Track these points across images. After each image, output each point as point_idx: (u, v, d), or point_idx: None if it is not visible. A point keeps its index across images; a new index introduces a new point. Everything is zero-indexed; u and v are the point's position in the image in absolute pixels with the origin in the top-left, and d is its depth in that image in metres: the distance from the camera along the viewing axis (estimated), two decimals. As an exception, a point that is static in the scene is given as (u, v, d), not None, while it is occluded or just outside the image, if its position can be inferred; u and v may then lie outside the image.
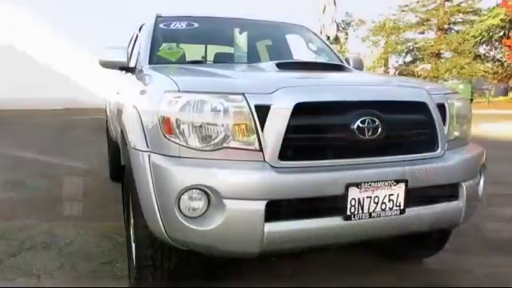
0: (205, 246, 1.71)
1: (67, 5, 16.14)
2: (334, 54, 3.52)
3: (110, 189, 4.68)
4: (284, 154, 1.71)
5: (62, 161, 6.31)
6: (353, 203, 1.75)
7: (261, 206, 1.62)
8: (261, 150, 1.70)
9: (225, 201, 1.62)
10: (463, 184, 2.00)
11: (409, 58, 31.03)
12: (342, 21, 30.47)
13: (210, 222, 1.65)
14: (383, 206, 1.81)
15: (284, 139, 1.69)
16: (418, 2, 29.78)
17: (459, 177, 2.01)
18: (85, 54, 15.21)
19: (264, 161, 1.70)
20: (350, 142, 1.80)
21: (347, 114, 1.80)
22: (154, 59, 2.81)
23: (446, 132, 2.04)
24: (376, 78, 3.14)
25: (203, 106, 1.72)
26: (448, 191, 1.99)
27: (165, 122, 1.76)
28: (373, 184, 1.78)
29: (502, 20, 20.80)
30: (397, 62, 31.79)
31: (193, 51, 3.40)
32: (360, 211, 1.77)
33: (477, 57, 26.52)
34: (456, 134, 2.14)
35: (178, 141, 1.73)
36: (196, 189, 1.65)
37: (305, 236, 1.73)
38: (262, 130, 1.70)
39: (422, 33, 30.01)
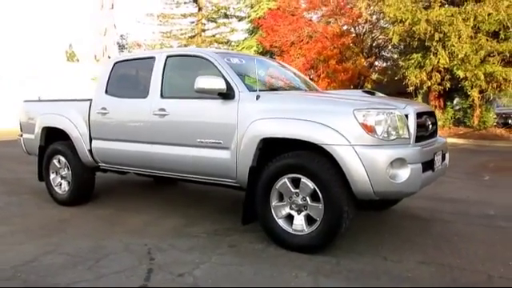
0: (398, 192, 3.15)
1: None
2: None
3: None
4: (415, 139, 3.31)
5: None
6: (434, 162, 3.51)
7: (420, 165, 3.19)
8: (409, 138, 3.24)
9: (408, 164, 3.10)
10: (447, 152, 4.05)
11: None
12: (117, 43, 30.97)
13: (402, 177, 3.09)
14: (439, 163, 3.63)
15: (416, 131, 3.30)
16: (178, 30, 33.34)
17: (446, 149, 4.03)
18: None
19: (410, 144, 3.25)
20: (427, 131, 3.56)
21: (423, 118, 3.55)
22: (249, 87, 3.77)
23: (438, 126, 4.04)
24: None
25: (388, 116, 3.13)
26: (445, 156, 3.98)
27: (366, 126, 3.09)
28: (438, 152, 3.59)
29: (255, 51, 25.84)
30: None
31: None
32: (435, 166, 3.53)
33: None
34: None
35: (376, 136, 3.09)
36: (394, 161, 3.07)
37: (426, 180, 3.37)
38: (408, 127, 3.25)
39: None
